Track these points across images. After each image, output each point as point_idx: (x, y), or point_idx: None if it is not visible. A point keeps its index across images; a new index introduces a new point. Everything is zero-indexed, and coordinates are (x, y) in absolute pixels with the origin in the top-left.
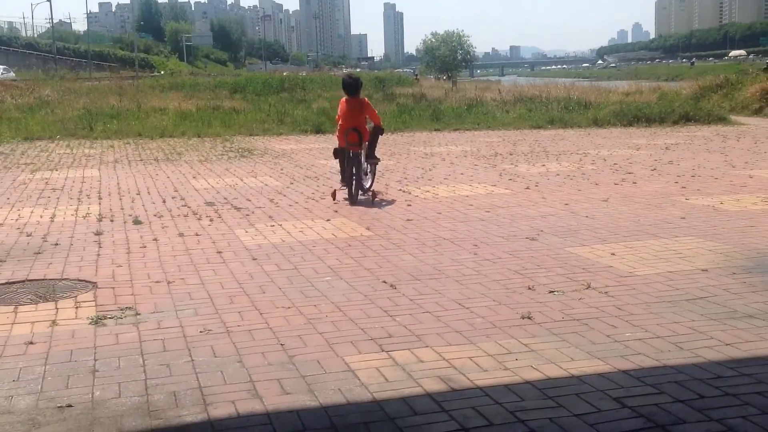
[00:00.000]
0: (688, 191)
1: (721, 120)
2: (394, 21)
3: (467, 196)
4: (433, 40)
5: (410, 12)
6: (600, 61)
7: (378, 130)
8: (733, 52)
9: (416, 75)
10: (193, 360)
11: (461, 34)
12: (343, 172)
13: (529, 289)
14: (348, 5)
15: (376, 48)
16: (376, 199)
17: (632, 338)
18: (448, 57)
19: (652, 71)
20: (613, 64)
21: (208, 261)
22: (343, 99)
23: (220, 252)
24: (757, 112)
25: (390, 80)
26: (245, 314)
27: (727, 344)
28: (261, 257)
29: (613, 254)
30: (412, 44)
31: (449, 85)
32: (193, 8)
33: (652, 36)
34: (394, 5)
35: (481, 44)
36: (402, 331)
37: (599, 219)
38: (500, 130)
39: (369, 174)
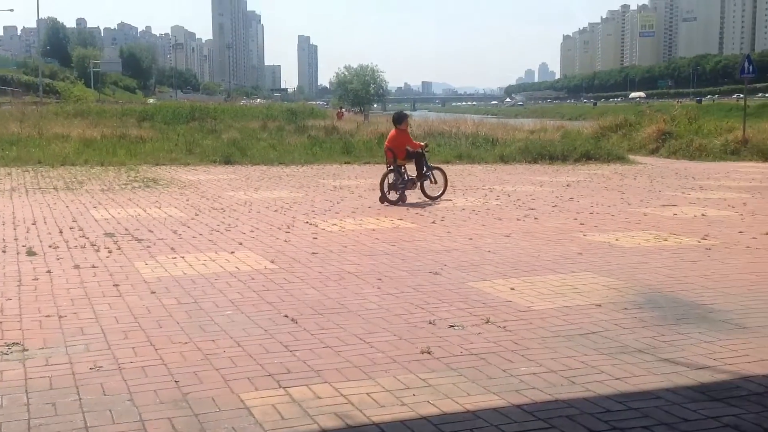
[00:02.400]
0: (587, 228)
1: (620, 159)
2: (308, 53)
3: (374, 230)
4: (347, 73)
5: (325, 45)
6: (508, 99)
7: (412, 153)
8: (633, 94)
9: (342, 108)
10: (80, 398)
11: (374, 68)
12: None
13: (430, 323)
14: (262, 36)
15: (289, 79)
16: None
17: (527, 373)
18: (361, 90)
19: (556, 110)
20: (521, 103)
21: (104, 294)
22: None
23: (117, 285)
24: (654, 152)
25: (302, 112)
26: (139, 350)
27: (617, 378)
28: (160, 290)
29: (512, 289)
30: (325, 76)
31: (361, 118)
32: (102, 34)
33: (558, 76)
34: (308, 38)
35: (393, 79)
36: (301, 367)
37: (501, 254)
38: (411, 164)
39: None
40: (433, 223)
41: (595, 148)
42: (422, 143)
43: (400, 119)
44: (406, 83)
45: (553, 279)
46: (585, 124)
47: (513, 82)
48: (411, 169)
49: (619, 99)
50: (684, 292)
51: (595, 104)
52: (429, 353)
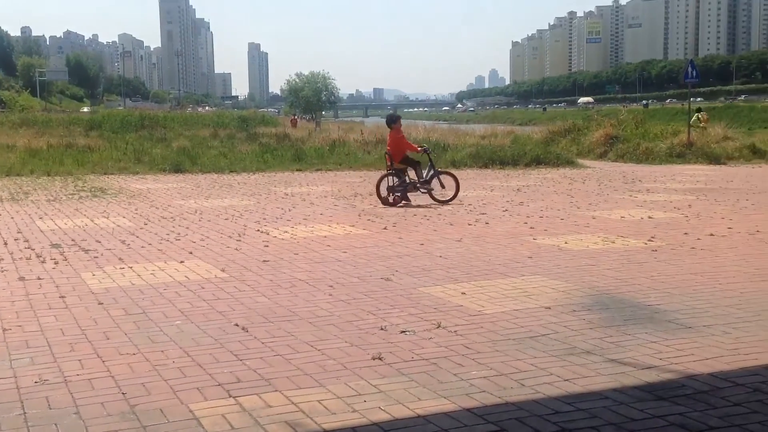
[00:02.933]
0: (537, 231)
1: (569, 163)
2: (258, 61)
3: (325, 237)
4: (298, 80)
5: (275, 52)
6: (459, 105)
7: (409, 159)
8: (582, 99)
9: (295, 116)
10: (25, 413)
11: (326, 75)
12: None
13: (382, 329)
14: (212, 44)
15: (240, 87)
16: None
17: (478, 376)
18: (313, 98)
19: (507, 115)
20: (471, 108)
21: (50, 306)
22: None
23: (63, 297)
24: (602, 156)
25: (253, 120)
26: (86, 362)
27: (565, 380)
28: (108, 301)
29: (463, 293)
30: (276, 84)
31: (313, 125)
32: (48, 42)
33: (508, 82)
34: (258, 45)
35: (345, 86)
36: (251, 376)
37: (452, 259)
38: (362, 171)
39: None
40: (385, 229)
41: (544, 153)
42: (420, 147)
43: (390, 121)
44: (357, 90)
45: (504, 283)
46: (535, 129)
47: (464, 89)
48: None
49: (563, 104)
50: (631, 294)
51: (544, 110)
52: (380, 359)
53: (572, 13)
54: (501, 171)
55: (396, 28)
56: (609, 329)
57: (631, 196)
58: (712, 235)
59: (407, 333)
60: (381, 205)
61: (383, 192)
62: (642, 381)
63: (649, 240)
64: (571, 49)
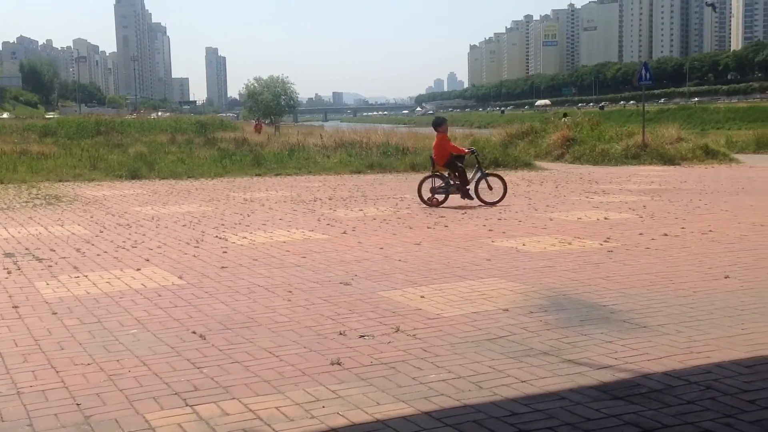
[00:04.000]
0: (495, 234)
1: (527, 165)
2: (216, 65)
3: (284, 242)
4: (256, 85)
5: (233, 56)
6: (419, 108)
7: (449, 161)
8: (539, 102)
9: (259, 120)
10: None
11: (285, 79)
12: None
13: (341, 334)
14: (168, 48)
15: (198, 92)
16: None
17: (436, 379)
18: (272, 102)
19: (466, 118)
20: (431, 111)
21: (2, 317)
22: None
23: (16, 307)
24: (559, 158)
25: (212, 125)
26: (39, 373)
27: (522, 381)
28: (62, 311)
29: (422, 297)
30: (235, 88)
31: (272, 130)
32: (0, 48)
33: (466, 85)
34: (216, 50)
35: (304, 90)
36: (209, 384)
37: (411, 262)
38: (321, 175)
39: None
40: (344, 233)
41: (503, 156)
42: (467, 149)
43: (436, 125)
44: (317, 94)
45: (462, 286)
46: (493, 131)
47: (423, 92)
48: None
49: (524, 108)
50: (587, 294)
51: (502, 112)
52: (339, 364)
53: (528, 17)
54: None
55: (355, 32)
56: (566, 330)
57: (587, 197)
58: (666, 235)
59: (366, 337)
60: (340, 210)
61: (425, 193)
62: (598, 381)
63: (604, 241)
64: (528, 52)
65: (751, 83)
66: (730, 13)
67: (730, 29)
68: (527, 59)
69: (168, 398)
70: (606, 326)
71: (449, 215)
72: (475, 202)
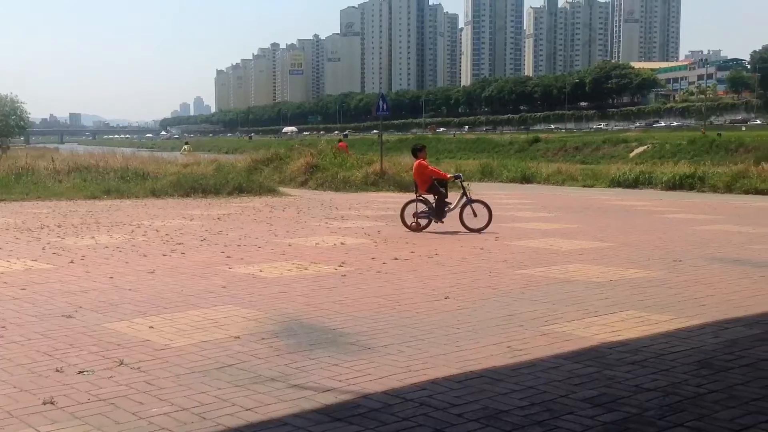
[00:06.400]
0: (233, 260)
1: (272, 191)
2: None
3: (2, 273)
4: None
5: None
6: (164, 132)
7: (432, 186)
8: (285, 129)
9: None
10: None
11: (14, 98)
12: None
13: (58, 371)
14: None
15: None
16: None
17: (158, 413)
18: (0, 122)
19: (213, 143)
20: (176, 135)
21: None
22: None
23: None
24: (303, 184)
25: None
26: None
27: (247, 409)
28: None
29: (151, 327)
30: None
31: None
32: None
33: (214, 110)
34: None
35: (38, 110)
36: None
37: (143, 291)
38: (52, 201)
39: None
40: (72, 262)
41: (247, 182)
42: (451, 174)
43: (416, 150)
44: (52, 114)
45: (195, 314)
46: (239, 157)
47: (168, 115)
48: (453, 198)
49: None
50: (319, 318)
51: (251, 138)
52: (52, 403)
53: (275, 45)
54: (203, 200)
55: (95, 52)
56: (295, 355)
57: (327, 223)
58: (396, 259)
59: (85, 373)
60: (69, 238)
61: (408, 218)
62: (320, 404)
63: (339, 265)
64: (275, 79)
65: (478, 116)
66: (461, 51)
67: (460, 66)
68: (275, 86)
69: None
70: (334, 349)
71: (188, 242)
72: (460, 227)
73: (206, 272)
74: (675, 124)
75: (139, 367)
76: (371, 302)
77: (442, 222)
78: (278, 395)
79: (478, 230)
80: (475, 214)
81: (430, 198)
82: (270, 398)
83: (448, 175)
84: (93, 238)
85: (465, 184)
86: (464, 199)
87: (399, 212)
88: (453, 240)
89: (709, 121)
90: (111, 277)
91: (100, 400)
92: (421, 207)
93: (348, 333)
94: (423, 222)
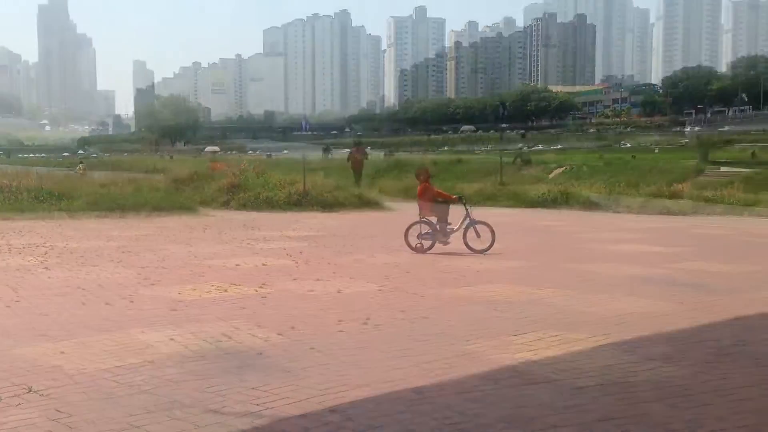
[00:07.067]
0: (150, 282)
1: (193, 211)
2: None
3: None
4: None
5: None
6: (81, 151)
7: (437, 207)
8: (208, 148)
9: None
10: None
11: None
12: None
13: None
14: (94, 60)
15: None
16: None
17: None
18: None
19: (134, 162)
20: (94, 155)
21: None
22: None
23: None
24: (225, 204)
25: None
26: None
27: None
28: None
29: (62, 352)
30: None
31: None
32: None
33: (133, 129)
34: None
35: None
36: None
37: (54, 315)
38: None
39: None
40: None
41: (168, 202)
42: (454, 195)
43: (417, 174)
44: None
45: (109, 338)
46: (160, 177)
47: (86, 134)
48: (454, 220)
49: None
50: (238, 341)
51: (171, 157)
52: None
53: (197, 64)
54: (122, 220)
55: None
56: (212, 379)
57: (249, 244)
58: (318, 280)
59: None
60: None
61: (412, 240)
62: (237, 429)
63: (260, 287)
64: (197, 98)
65: (403, 137)
66: (384, 72)
67: (384, 87)
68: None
69: None
70: (252, 373)
71: (102, 264)
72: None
73: (122, 295)
74: (590, 146)
75: (48, 394)
76: (291, 324)
77: (448, 243)
78: (194, 421)
79: (482, 251)
80: (478, 235)
81: (433, 219)
82: (186, 424)
83: (453, 197)
84: (4, 260)
85: (468, 206)
86: (467, 220)
87: (404, 232)
88: (376, 261)
89: (622, 143)
90: (18, 301)
91: (6, 430)
92: (425, 228)
93: (267, 356)
94: (426, 243)
